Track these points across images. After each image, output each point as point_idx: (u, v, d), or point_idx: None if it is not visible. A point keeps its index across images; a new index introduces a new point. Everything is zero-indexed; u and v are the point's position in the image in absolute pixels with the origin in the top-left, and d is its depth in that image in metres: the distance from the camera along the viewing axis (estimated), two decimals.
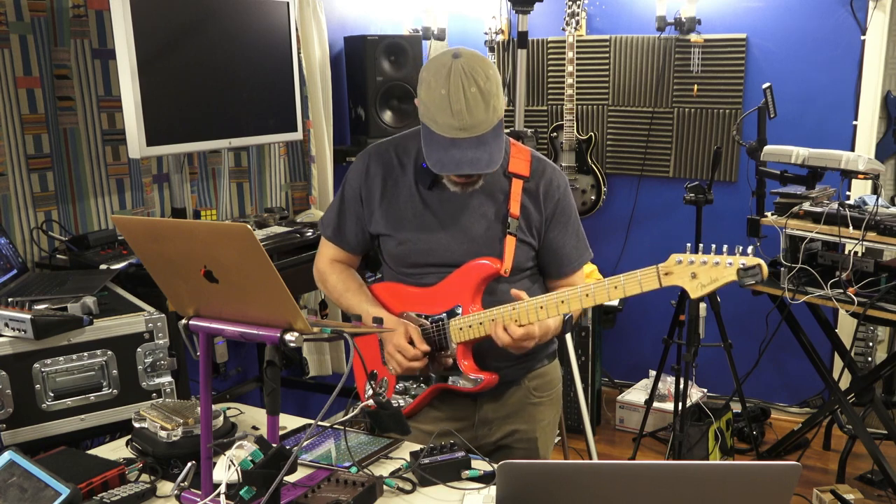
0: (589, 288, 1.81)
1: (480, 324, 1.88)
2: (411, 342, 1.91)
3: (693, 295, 1.73)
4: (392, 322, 1.95)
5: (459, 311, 1.92)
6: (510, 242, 1.91)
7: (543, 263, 2.03)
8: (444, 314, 1.93)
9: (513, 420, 2.05)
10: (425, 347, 1.91)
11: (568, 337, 3.49)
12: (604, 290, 1.80)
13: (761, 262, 1.66)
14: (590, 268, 4.10)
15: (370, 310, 1.95)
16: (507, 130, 3.87)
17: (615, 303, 4.18)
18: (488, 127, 1.76)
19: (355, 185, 1.99)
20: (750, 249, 1.69)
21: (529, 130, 3.96)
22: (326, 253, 2.09)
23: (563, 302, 1.83)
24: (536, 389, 2.08)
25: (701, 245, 1.75)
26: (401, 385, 2.02)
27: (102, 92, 2.91)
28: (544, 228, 1.97)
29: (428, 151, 1.79)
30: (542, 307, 1.84)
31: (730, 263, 1.68)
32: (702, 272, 1.71)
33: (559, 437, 3.56)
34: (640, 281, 1.76)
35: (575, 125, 4.17)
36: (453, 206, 1.93)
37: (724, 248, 1.71)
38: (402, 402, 2.02)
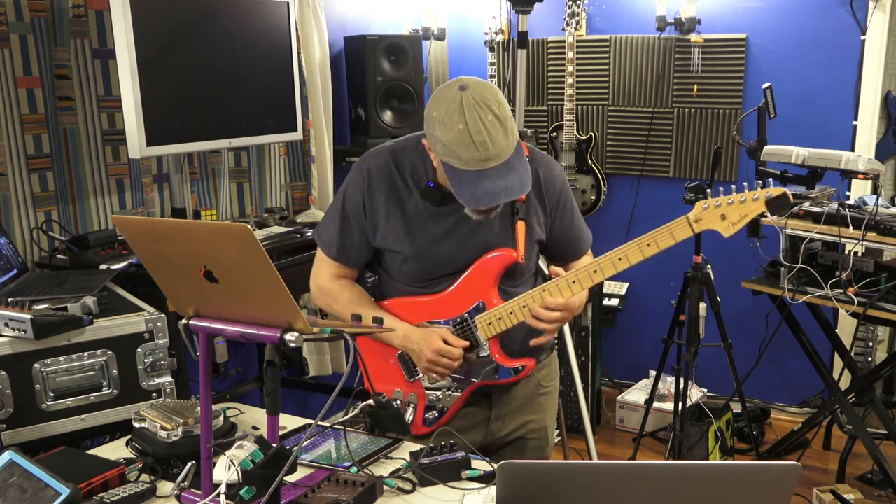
0: (621, 251, 1.82)
1: (511, 313, 1.89)
2: (446, 344, 1.90)
3: (726, 234, 1.79)
4: (417, 333, 1.93)
5: (483, 306, 1.92)
6: (521, 228, 1.91)
7: (558, 252, 2.04)
8: (467, 314, 1.93)
9: (525, 412, 2.07)
10: (464, 343, 1.91)
11: (568, 337, 3.49)
12: (637, 249, 1.81)
13: (786, 190, 1.74)
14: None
15: (396, 324, 1.93)
16: None
17: (615, 303, 4.18)
18: (511, 151, 1.71)
19: (357, 200, 1.93)
20: (770, 181, 1.75)
21: (529, 130, 3.96)
22: (327, 270, 2.01)
23: (595, 272, 1.84)
24: (544, 379, 2.11)
25: (721, 188, 1.79)
26: (433, 396, 2.00)
27: (102, 92, 2.91)
28: (551, 220, 1.98)
29: (458, 189, 1.72)
30: (574, 281, 1.85)
31: (756, 198, 1.75)
32: (730, 211, 1.77)
33: (559, 437, 3.56)
34: (672, 232, 1.79)
35: (575, 125, 4.17)
36: (463, 215, 1.88)
37: (745, 184, 1.79)
38: (436, 413, 2.01)
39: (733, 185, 1.79)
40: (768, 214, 1.77)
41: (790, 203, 1.73)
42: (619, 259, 1.82)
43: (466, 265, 1.92)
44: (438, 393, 1.99)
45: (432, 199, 1.87)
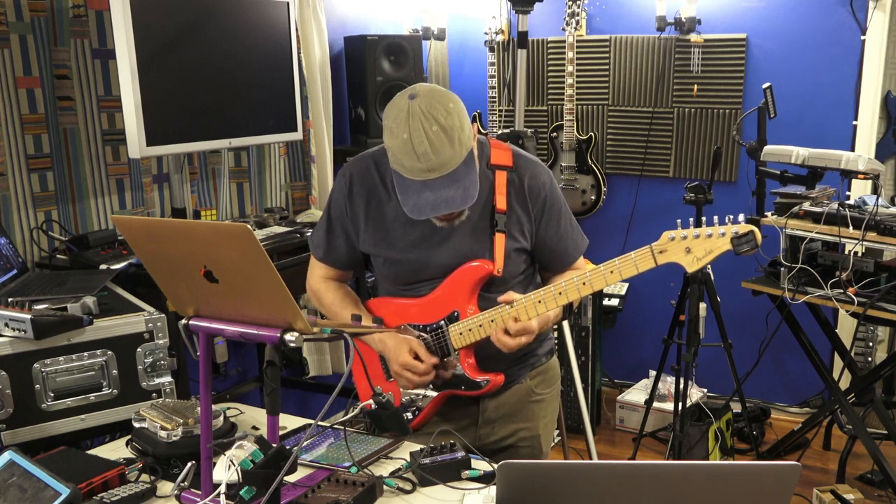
0: (585, 276, 1.81)
1: (480, 326, 1.88)
2: (417, 358, 1.89)
3: (690, 269, 1.73)
4: (393, 340, 1.92)
5: (458, 315, 1.91)
6: (499, 240, 1.89)
7: (544, 260, 2.02)
8: (443, 321, 1.92)
9: (515, 419, 2.05)
10: (433, 360, 1.90)
11: (568, 337, 3.49)
12: (600, 276, 1.79)
13: (754, 228, 1.67)
14: (589, 268, 4.10)
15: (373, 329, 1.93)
16: (507, 130, 3.89)
17: (615, 303, 4.18)
18: (458, 162, 1.71)
19: (341, 204, 1.97)
20: (741, 217, 1.70)
21: (529, 130, 3.96)
22: (318, 272, 2.07)
23: (560, 293, 1.83)
24: (537, 387, 2.08)
25: (692, 219, 1.76)
26: (407, 398, 2.00)
27: (102, 92, 2.91)
28: (535, 228, 1.95)
29: (403, 198, 1.75)
30: (540, 301, 1.83)
31: (722, 234, 1.69)
32: (696, 245, 1.71)
33: (559, 437, 3.57)
34: (635, 262, 1.76)
35: (575, 125, 4.17)
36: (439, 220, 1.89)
37: (715, 218, 1.71)
38: (409, 416, 2.01)
39: (703, 219, 1.73)
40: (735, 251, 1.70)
41: (757, 244, 1.67)
42: (584, 284, 1.81)
43: (445, 272, 1.92)
44: (413, 394, 2.00)
45: None
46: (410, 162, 1.69)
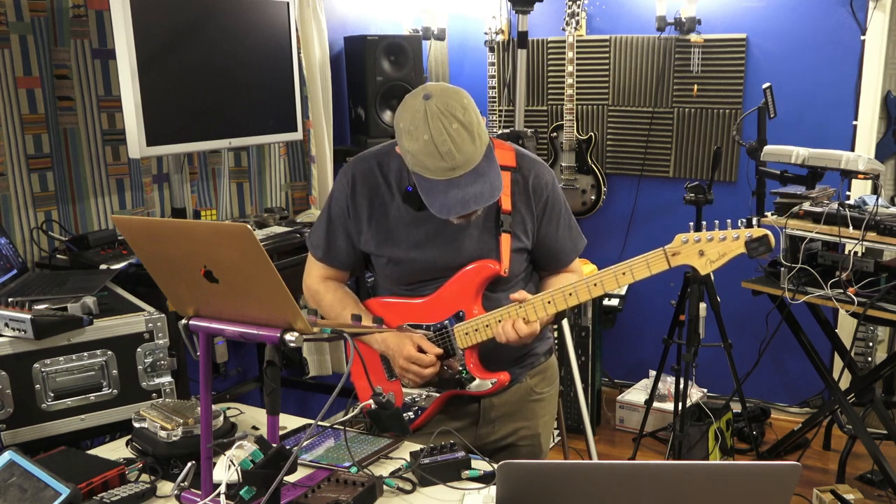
0: (597, 277, 1.81)
1: (487, 326, 1.87)
2: (420, 351, 1.89)
3: (703, 272, 1.75)
4: (394, 338, 1.93)
5: (463, 315, 1.91)
6: (505, 241, 1.90)
7: (541, 259, 2.02)
8: (447, 321, 1.92)
9: (515, 418, 2.05)
10: (437, 350, 1.90)
11: (568, 337, 3.49)
12: (612, 277, 1.79)
13: (768, 232, 1.69)
14: (589, 268, 4.10)
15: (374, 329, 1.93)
16: (507, 130, 3.89)
17: (615, 303, 4.18)
18: (479, 157, 1.71)
19: (342, 204, 1.96)
20: (755, 221, 1.72)
21: (529, 130, 3.96)
22: (316, 272, 2.05)
23: (571, 294, 1.83)
24: (537, 385, 2.08)
25: (704, 223, 1.76)
26: (409, 398, 2.00)
27: (102, 92, 2.91)
28: (536, 227, 1.95)
29: (429, 200, 1.73)
30: (549, 302, 1.83)
31: (736, 237, 1.71)
32: (709, 248, 1.73)
33: (559, 437, 3.57)
34: (648, 264, 1.76)
35: (575, 125, 4.17)
36: (444, 220, 1.87)
37: (728, 222, 1.74)
38: (411, 416, 2.01)
39: (717, 223, 1.74)
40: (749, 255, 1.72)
41: (770, 247, 1.69)
42: (595, 285, 1.81)
43: (450, 271, 1.92)
44: (415, 394, 1.99)
45: (412, 204, 1.86)
46: (434, 162, 1.68)
